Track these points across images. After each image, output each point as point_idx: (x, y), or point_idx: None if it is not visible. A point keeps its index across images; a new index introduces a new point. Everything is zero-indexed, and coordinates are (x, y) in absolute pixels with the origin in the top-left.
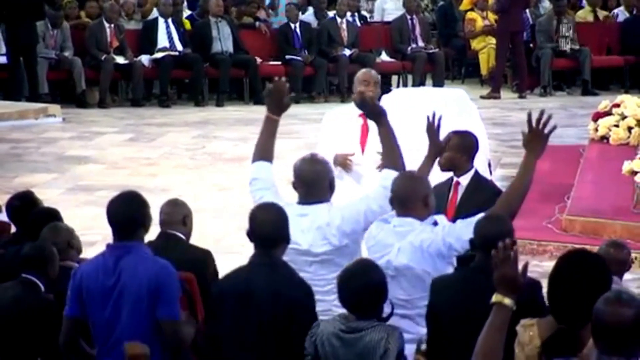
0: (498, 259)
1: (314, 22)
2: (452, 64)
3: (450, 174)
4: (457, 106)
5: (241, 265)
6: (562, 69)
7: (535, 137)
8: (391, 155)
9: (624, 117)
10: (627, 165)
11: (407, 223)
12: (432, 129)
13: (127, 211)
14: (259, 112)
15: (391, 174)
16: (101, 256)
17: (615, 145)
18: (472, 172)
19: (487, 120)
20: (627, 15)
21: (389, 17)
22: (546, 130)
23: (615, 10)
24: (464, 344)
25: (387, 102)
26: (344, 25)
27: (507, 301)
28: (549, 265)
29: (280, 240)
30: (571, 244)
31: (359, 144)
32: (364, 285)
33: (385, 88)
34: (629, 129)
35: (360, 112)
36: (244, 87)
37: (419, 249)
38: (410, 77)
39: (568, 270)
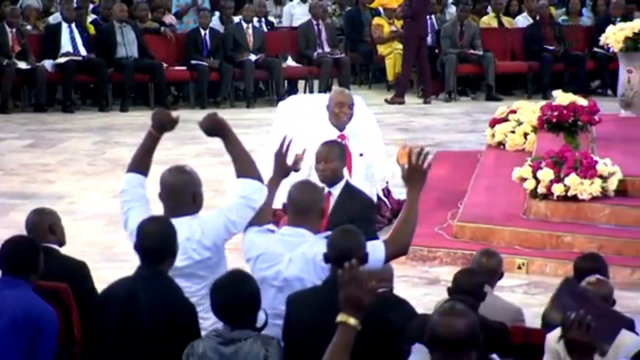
0: (343, 279)
1: (219, 27)
2: (360, 69)
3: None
4: (360, 111)
5: (126, 276)
6: (467, 74)
7: (415, 172)
8: (244, 165)
9: (520, 123)
10: (516, 172)
11: (299, 234)
12: (281, 152)
13: (17, 255)
14: None
15: (248, 183)
16: None
17: (511, 151)
18: (343, 182)
19: (390, 125)
20: (530, 21)
21: (298, 22)
22: (425, 165)
23: (519, 17)
24: (320, 358)
25: (285, 108)
26: (250, 31)
27: (352, 321)
28: (438, 271)
29: (166, 255)
30: (461, 250)
31: (346, 167)
32: (236, 295)
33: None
34: (525, 135)
35: (339, 133)
36: (149, 92)
37: (311, 261)
38: (316, 82)
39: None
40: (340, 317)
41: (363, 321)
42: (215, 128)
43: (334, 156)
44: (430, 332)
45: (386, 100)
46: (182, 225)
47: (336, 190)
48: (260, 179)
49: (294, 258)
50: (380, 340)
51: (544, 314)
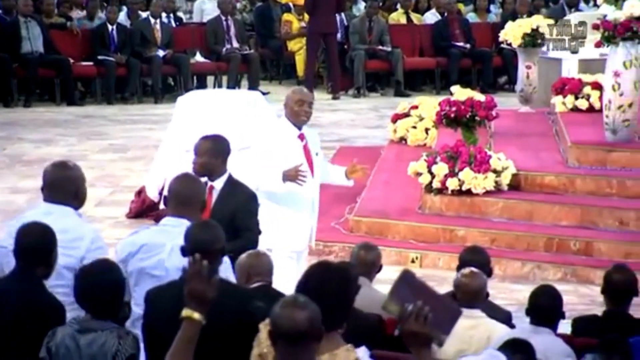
0: (188, 274)
1: (126, 23)
2: (270, 65)
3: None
4: (253, 107)
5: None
6: (376, 70)
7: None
8: None
9: (421, 119)
10: (412, 167)
11: (181, 223)
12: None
13: None
14: (70, 113)
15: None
16: None
17: (412, 146)
18: (226, 176)
19: None
20: (439, 17)
21: (208, 18)
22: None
23: (427, 13)
24: None
25: (184, 104)
26: (158, 26)
27: (196, 316)
28: None
29: (42, 260)
30: (356, 244)
31: (309, 168)
32: (100, 283)
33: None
34: (426, 130)
35: (299, 132)
36: (55, 88)
37: None
38: (225, 78)
39: (312, 282)
40: (185, 312)
41: (220, 313)
42: None
43: (203, 151)
44: (272, 324)
45: None
46: (66, 213)
47: (219, 184)
48: None
49: (175, 247)
50: (240, 332)
51: (382, 306)
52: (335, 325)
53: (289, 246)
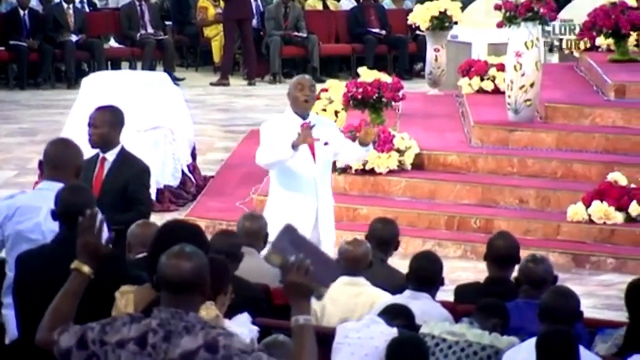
0: (82, 227)
1: (38, 8)
2: (187, 51)
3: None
4: (159, 88)
5: None
6: (292, 56)
7: None
8: None
9: (331, 101)
10: None
11: (56, 187)
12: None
13: None
14: None
15: None
16: None
17: None
18: (118, 148)
19: (212, 106)
20: (355, 3)
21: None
22: None
23: None
24: None
25: (88, 85)
26: (71, 11)
27: (86, 269)
28: None
29: None
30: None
31: (310, 154)
32: None
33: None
34: (336, 113)
35: (301, 122)
36: None
37: None
38: (139, 64)
39: (164, 239)
40: (75, 264)
41: (98, 274)
42: None
43: (101, 122)
44: (158, 272)
45: (211, 84)
46: None
47: (111, 156)
48: None
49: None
50: (112, 297)
51: (265, 257)
52: None
53: None
